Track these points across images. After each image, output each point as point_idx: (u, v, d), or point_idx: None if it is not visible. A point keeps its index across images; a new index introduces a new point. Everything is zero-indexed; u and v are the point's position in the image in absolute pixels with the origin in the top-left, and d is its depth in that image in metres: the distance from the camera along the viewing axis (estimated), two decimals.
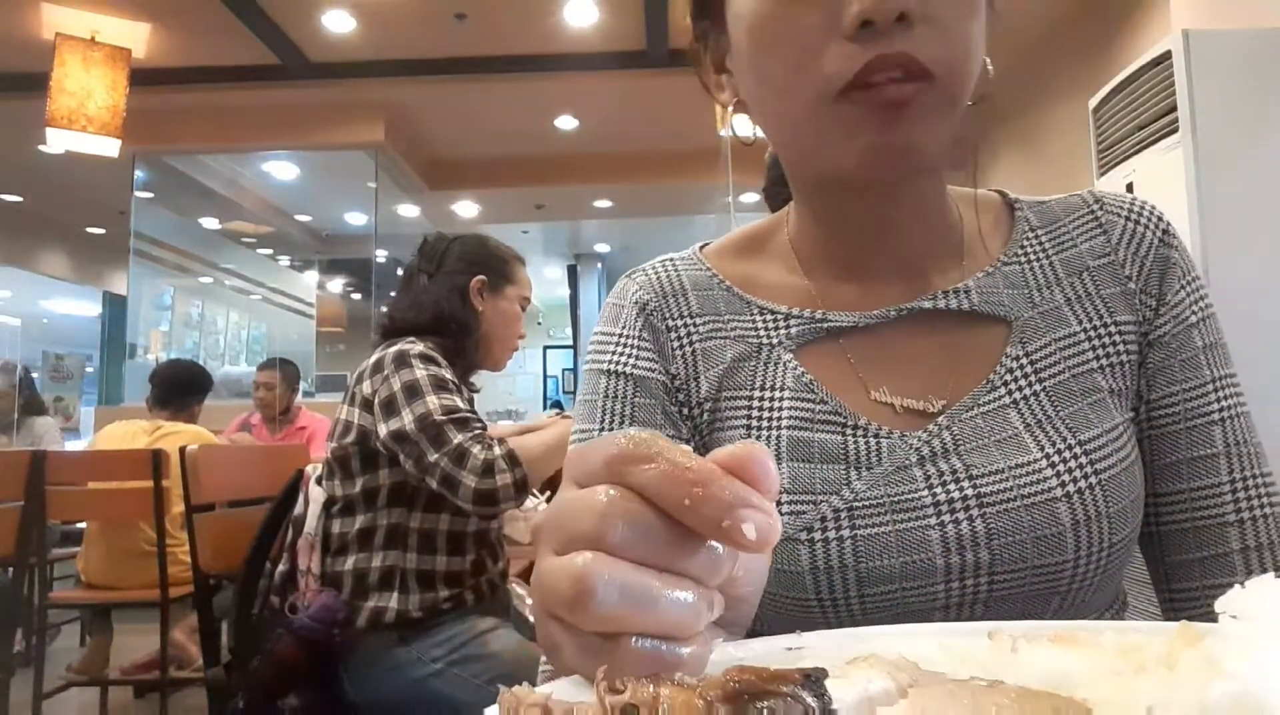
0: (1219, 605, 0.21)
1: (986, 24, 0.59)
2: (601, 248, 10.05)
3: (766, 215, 0.75)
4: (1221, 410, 0.62)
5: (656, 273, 0.69)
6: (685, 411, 0.65)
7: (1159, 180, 2.56)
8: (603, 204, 8.00)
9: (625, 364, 0.66)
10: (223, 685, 1.68)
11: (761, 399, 0.62)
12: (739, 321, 0.66)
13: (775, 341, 0.64)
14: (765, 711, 0.20)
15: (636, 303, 0.67)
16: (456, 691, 1.55)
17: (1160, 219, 0.66)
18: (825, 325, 0.63)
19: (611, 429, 0.64)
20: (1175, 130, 2.47)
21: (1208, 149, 2.40)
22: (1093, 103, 2.92)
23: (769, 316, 0.65)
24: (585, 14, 4.94)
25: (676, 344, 0.66)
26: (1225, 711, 0.18)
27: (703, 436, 0.64)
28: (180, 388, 3.57)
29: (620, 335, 0.67)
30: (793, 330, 0.63)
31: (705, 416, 0.64)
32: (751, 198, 7.30)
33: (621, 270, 0.70)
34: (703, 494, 0.28)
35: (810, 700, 0.21)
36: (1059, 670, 0.22)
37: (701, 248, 0.72)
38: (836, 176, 0.59)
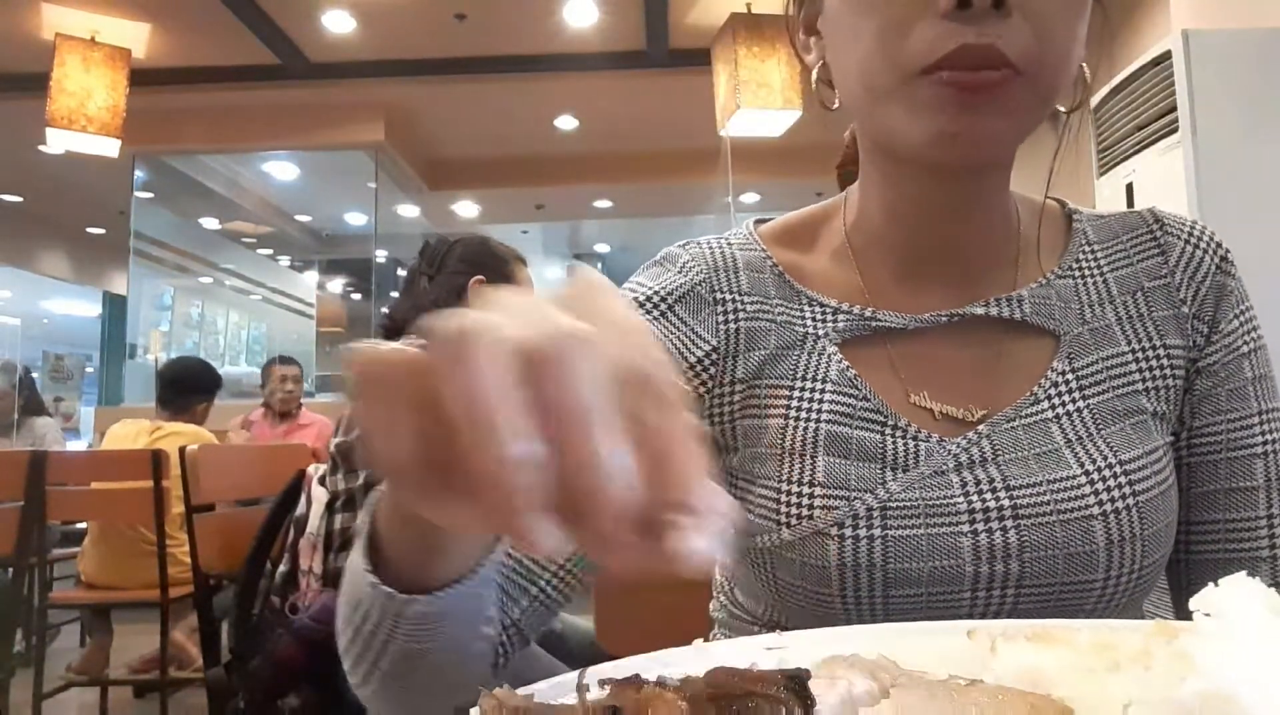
0: (1193, 603, 0.21)
1: (1090, 26, 0.57)
2: (601, 248, 10.05)
3: (771, 215, 0.74)
4: (1265, 443, 0.61)
5: (710, 247, 0.67)
6: (711, 386, 0.63)
7: (1159, 180, 2.56)
8: (603, 204, 8.00)
9: (646, 322, 0.63)
10: (223, 685, 1.68)
11: (803, 389, 0.61)
12: (786, 308, 0.64)
13: (821, 333, 0.63)
14: (749, 713, 0.20)
15: (685, 273, 0.65)
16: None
17: (1219, 246, 0.65)
18: (873, 324, 0.62)
19: None
20: (1175, 130, 2.47)
21: (1208, 149, 2.40)
22: (1093, 103, 2.92)
23: (817, 309, 0.63)
24: (585, 14, 4.94)
25: (722, 318, 0.64)
26: (1198, 707, 0.18)
27: (732, 419, 0.63)
28: (179, 386, 3.55)
29: (658, 292, 0.65)
30: (839, 324, 0.62)
31: (738, 398, 0.63)
32: (752, 198, 7.30)
33: (621, 270, 0.69)
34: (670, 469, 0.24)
35: (793, 701, 0.20)
36: (1036, 668, 0.22)
37: (756, 224, 0.70)
38: (907, 154, 0.57)
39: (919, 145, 0.54)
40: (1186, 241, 0.65)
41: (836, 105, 0.63)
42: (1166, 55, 2.49)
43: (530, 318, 0.24)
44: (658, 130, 6.33)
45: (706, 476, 0.24)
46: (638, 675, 0.23)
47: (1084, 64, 0.59)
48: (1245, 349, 0.63)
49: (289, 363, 4.55)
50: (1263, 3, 2.77)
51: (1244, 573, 0.23)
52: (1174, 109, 2.47)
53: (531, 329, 0.24)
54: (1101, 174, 2.90)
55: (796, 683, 0.21)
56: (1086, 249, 0.66)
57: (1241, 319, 0.64)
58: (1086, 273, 0.65)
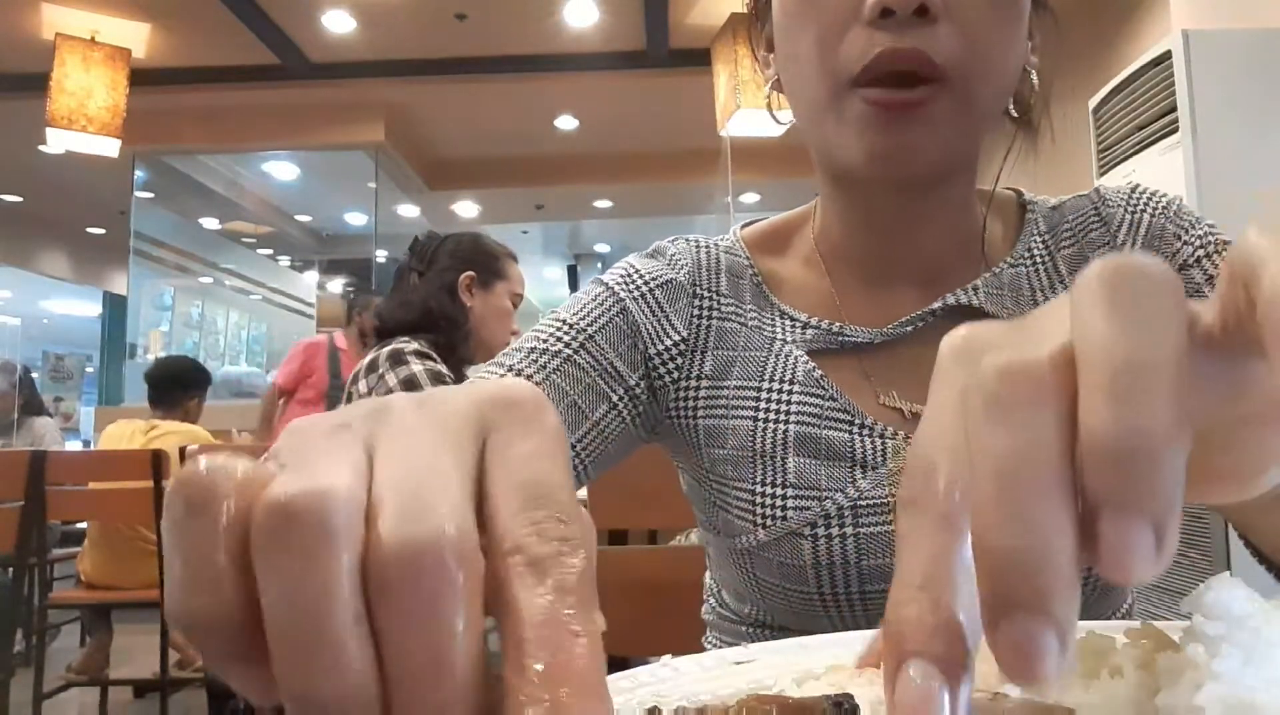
0: (1185, 605, 0.21)
1: (1035, 32, 0.59)
2: (601, 248, 10.04)
3: (767, 215, 0.75)
4: None
5: (698, 246, 0.70)
6: (677, 377, 0.64)
7: (1159, 180, 2.55)
8: (603, 204, 7.99)
9: (628, 298, 0.66)
10: (223, 685, 1.67)
11: (770, 390, 0.62)
12: (759, 316, 0.66)
13: (790, 340, 0.64)
14: None
15: (673, 266, 0.68)
16: None
17: (1154, 197, 0.65)
18: (840, 339, 0.63)
19: (575, 326, 0.64)
20: (1175, 130, 2.47)
21: (1208, 149, 2.40)
22: (1093, 103, 2.92)
23: (788, 322, 0.65)
24: (585, 14, 4.94)
25: (697, 312, 0.66)
26: (1217, 713, 0.18)
27: (694, 415, 0.64)
28: (171, 383, 3.53)
29: (643, 275, 0.67)
30: (808, 335, 0.64)
31: (702, 396, 0.64)
32: (752, 198, 7.29)
33: None
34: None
35: None
36: None
37: (744, 227, 0.72)
38: (847, 171, 0.59)
39: (855, 163, 0.57)
40: (1125, 208, 0.65)
41: (790, 121, 0.65)
42: (1166, 55, 2.49)
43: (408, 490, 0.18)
44: (658, 130, 6.32)
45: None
46: (657, 708, 0.20)
47: (1033, 70, 0.60)
48: (1193, 259, 0.62)
49: (366, 293, 4.52)
50: (1263, 3, 2.76)
51: (1228, 573, 0.22)
52: (1174, 109, 2.46)
53: (400, 517, 0.17)
54: (1101, 174, 2.90)
55: (844, 711, 0.19)
56: (1037, 238, 0.67)
57: (1185, 238, 0.63)
58: (1038, 259, 0.66)
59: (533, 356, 0.63)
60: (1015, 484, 0.17)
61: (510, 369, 0.62)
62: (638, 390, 0.64)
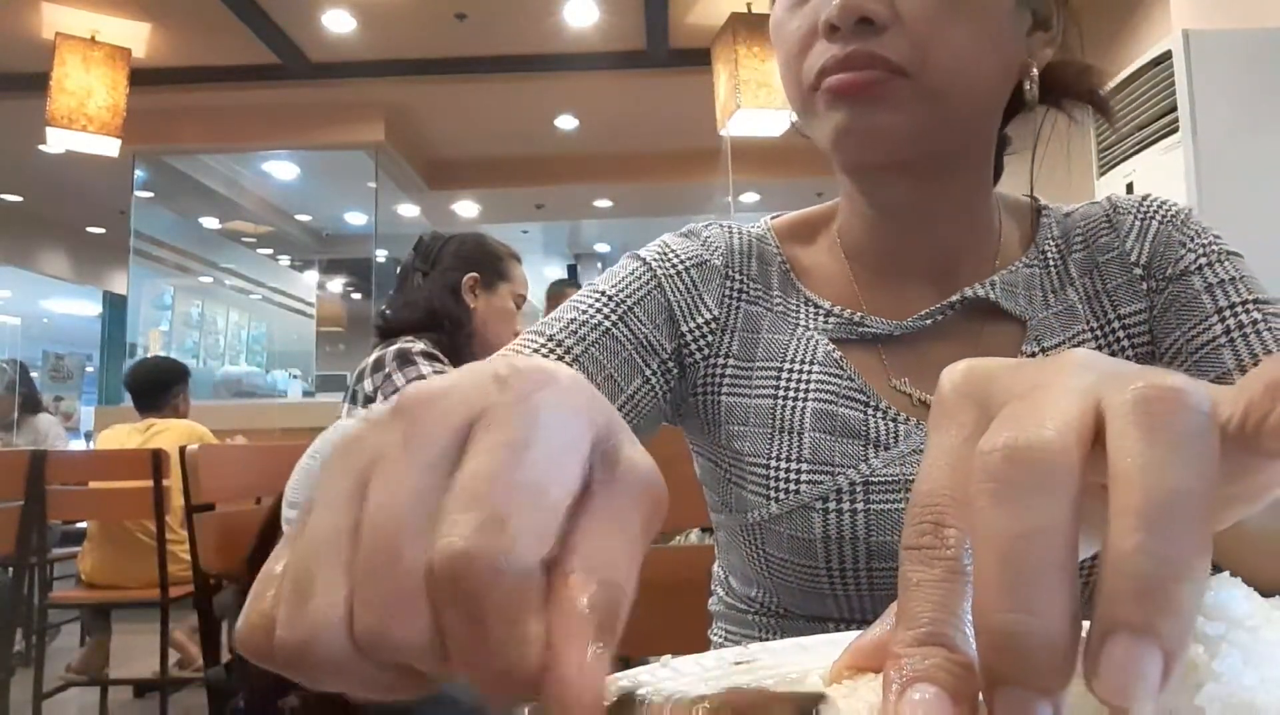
0: None
1: (1043, 43, 0.62)
2: (601, 248, 10.04)
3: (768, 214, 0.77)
4: (1228, 332, 0.61)
5: (731, 232, 0.72)
6: (707, 353, 0.67)
7: (1159, 180, 2.56)
8: (603, 204, 7.99)
9: (664, 275, 0.68)
10: (223, 685, 1.67)
11: (791, 370, 0.65)
12: (785, 301, 0.68)
13: (813, 327, 0.67)
14: None
15: (708, 247, 0.70)
16: (458, 691, 1.55)
17: (1164, 205, 0.67)
18: (859, 330, 0.65)
19: (614, 298, 0.66)
20: (1175, 130, 2.47)
21: (1208, 149, 2.40)
22: None
23: (811, 308, 0.67)
24: (585, 14, 4.94)
25: (729, 293, 0.68)
26: (1217, 713, 0.19)
27: (718, 392, 0.66)
28: (152, 386, 3.49)
29: (679, 255, 0.69)
30: (829, 324, 0.66)
31: (727, 374, 0.66)
32: (752, 197, 7.29)
33: None
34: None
35: None
36: None
37: (774, 218, 0.74)
38: (832, 157, 0.63)
39: (828, 148, 0.61)
40: (1136, 214, 0.67)
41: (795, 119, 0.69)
42: (1166, 55, 2.49)
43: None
44: (658, 130, 6.32)
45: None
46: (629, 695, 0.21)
47: (1031, 82, 0.62)
48: (1193, 266, 0.64)
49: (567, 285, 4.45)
50: (1263, 3, 2.76)
51: (1227, 572, 0.22)
52: (1174, 109, 2.47)
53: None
54: (1102, 174, 2.90)
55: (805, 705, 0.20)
56: (1050, 241, 0.69)
57: (1189, 246, 0.64)
58: (1050, 261, 0.68)
59: (572, 327, 0.64)
60: (1019, 568, 0.18)
61: (550, 338, 0.63)
62: (670, 364, 0.66)
